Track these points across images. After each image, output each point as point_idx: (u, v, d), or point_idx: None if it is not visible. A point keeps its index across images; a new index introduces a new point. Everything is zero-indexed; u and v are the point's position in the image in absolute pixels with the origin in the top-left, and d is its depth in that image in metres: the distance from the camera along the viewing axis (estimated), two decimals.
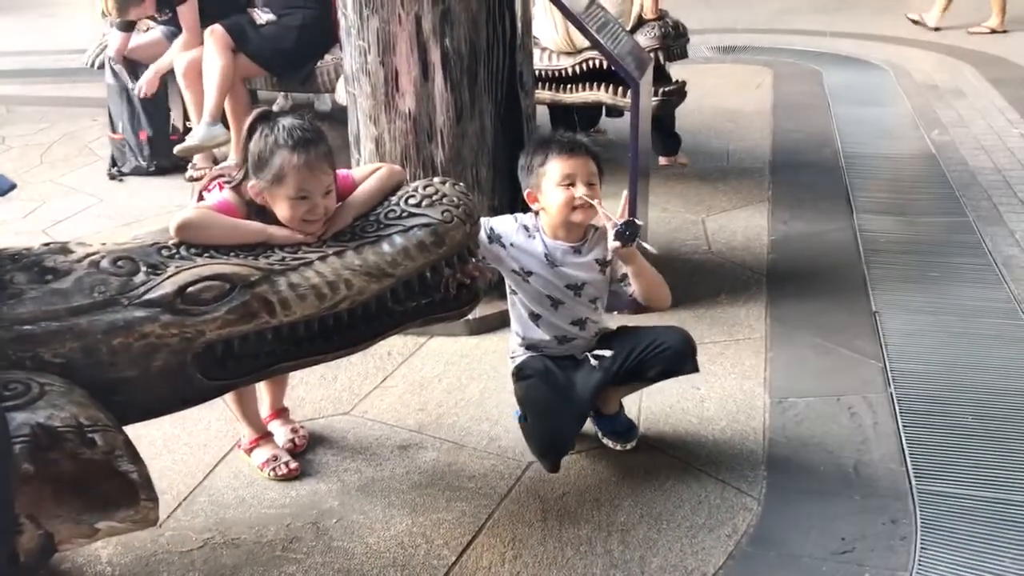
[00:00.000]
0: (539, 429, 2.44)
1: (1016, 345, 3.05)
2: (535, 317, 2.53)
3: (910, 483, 2.41)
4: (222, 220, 2.05)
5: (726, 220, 4.19)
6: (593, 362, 2.51)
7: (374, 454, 2.62)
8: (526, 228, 2.50)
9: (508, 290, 2.58)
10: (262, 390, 2.67)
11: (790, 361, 3.03)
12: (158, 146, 5.10)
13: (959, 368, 2.94)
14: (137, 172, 5.11)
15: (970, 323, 3.20)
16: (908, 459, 2.50)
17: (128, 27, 5.04)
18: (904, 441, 2.58)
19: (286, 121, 2.11)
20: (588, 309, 2.52)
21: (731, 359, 3.05)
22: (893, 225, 4.07)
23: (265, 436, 2.58)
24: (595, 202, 2.37)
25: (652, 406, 2.80)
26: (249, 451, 2.58)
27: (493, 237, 2.49)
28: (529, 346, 2.57)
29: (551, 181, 2.40)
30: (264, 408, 2.69)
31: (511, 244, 2.49)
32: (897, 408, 2.73)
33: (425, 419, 2.78)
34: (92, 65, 5.34)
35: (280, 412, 2.71)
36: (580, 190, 2.37)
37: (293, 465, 2.54)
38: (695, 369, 2.51)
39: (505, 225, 2.52)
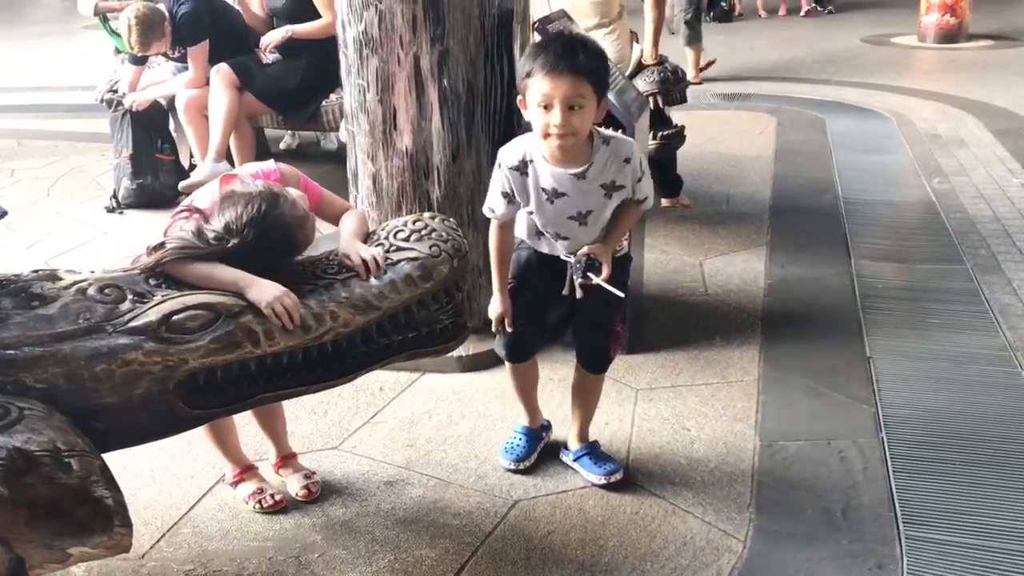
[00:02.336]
0: (509, 336, 2.54)
1: (1010, 393, 3.04)
2: (539, 234, 2.43)
3: (898, 528, 2.39)
4: (197, 267, 1.99)
5: (724, 263, 4.20)
6: (570, 291, 2.40)
7: (360, 489, 2.61)
8: (519, 169, 2.31)
9: None
10: (265, 439, 2.65)
11: (782, 404, 3.02)
12: (141, 164, 5.13)
13: (951, 415, 2.92)
14: (127, 196, 5.15)
15: (964, 370, 3.19)
16: (897, 504, 2.48)
17: (141, 61, 5.13)
18: (894, 486, 2.56)
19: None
20: (596, 233, 2.37)
21: (723, 401, 3.04)
22: (891, 271, 4.07)
23: (249, 469, 2.58)
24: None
25: (641, 446, 2.79)
26: (235, 484, 2.57)
27: (506, 193, 2.36)
28: (524, 238, 2.50)
29: (532, 99, 2.19)
30: (271, 455, 2.66)
31: (517, 189, 2.34)
32: (888, 453, 2.71)
33: (413, 455, 2.77)
34: (102, 101, 5.42)
35: (287, 458, 2.64)
36: (556, 116, 2.13)
37: (278, 497, 2.53)
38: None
39: (502, 178, 2.36)
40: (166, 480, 2.67)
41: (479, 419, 2.95)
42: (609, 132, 2.36)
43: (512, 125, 3.27)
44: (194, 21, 4.85)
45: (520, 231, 2.49)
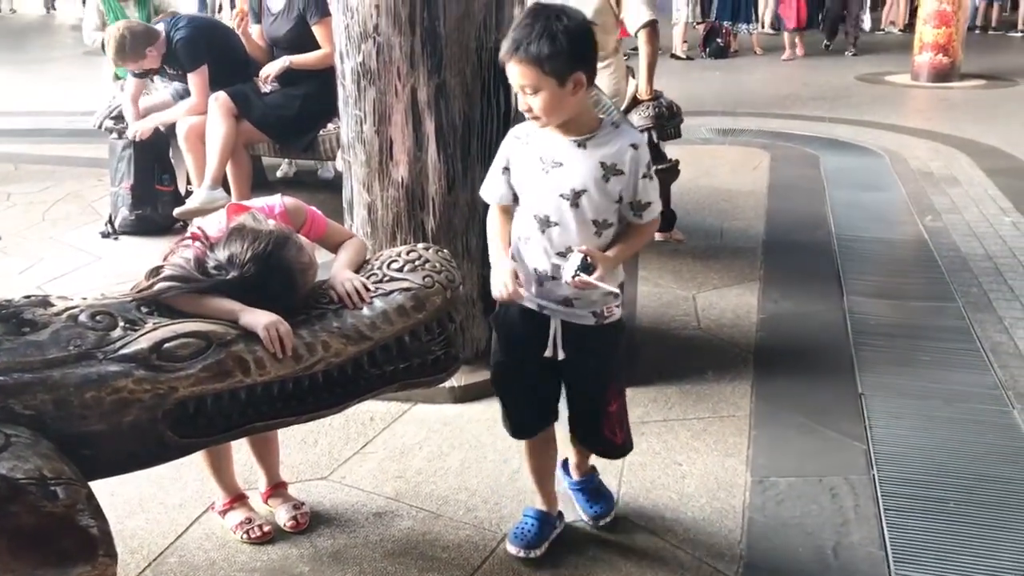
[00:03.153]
0: (506, 414, 2.45)
1: (1001, 431, 3.04)
2: (523, 243, 2.24)
3: (889, 567, 2.38)
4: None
5: (717, 297, 4.21)
6: (552, 353, 2.28)
7: (349, 520, 2.59)
8: (522, 139, 2.23)
9: None
10: (255, 466, 2.64)
11: (773, 440, 3.01)
12: (141, 195, 5.15)
13: (943, 453, 2.92)
14: (124, 224, 5.16)
15: (956, 408, 3.19)
16: (888, 543, 2.47)
17: (142, 75, 5.14)
18: (885, 525, 2.55)
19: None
20: (587, 231, 2.16)
21: (714, 436, 3.03)
22: (883, 308, 4.08)
23: (239, 498, 2.56)
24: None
25: (632, 480, 2.78)
26: (223, 513, 2.56)
27: (505, 165, 2.26)
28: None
29: None
30: (260, 484, 2.64)
31: (513, 160, 2.24)
32: (879, 491, 2.70)
33: (403, 487, 2.76)
34: (101, 127, 5.43)
35: (277, 487, 2.63)
36: (522, 102, 2.10)
37: (267, 528, 2.51)
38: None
39: (504, 146, 2.28)
40: (153, 508, 2.65)
41: (470, 451, 2.94)
42: (623, 119, 2.34)
43: None
44: (191, 47, 4.87)
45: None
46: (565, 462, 2.66)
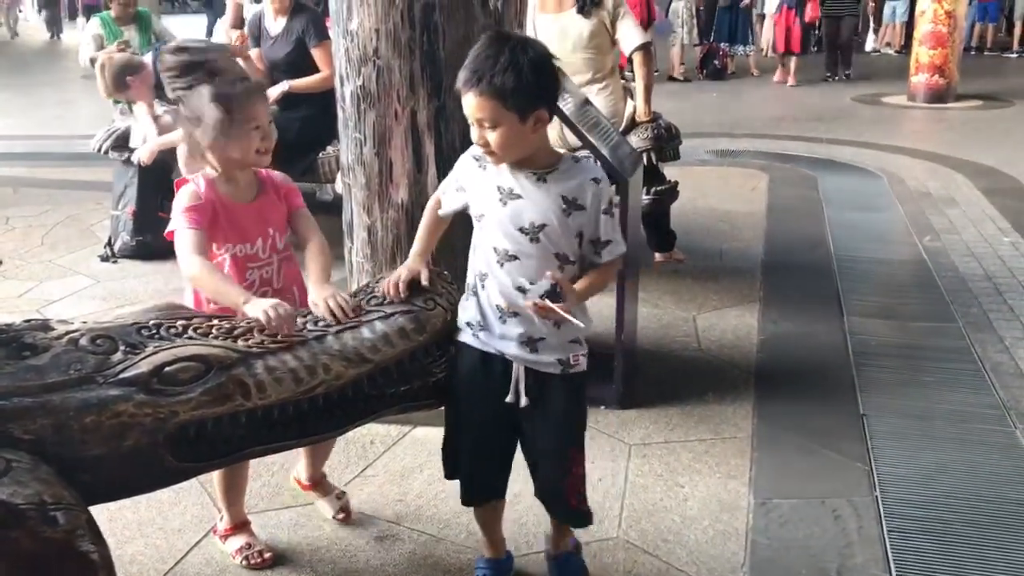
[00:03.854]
0: (457, 471, 2.28)
1: (1004, 452, 3.03)
2: (481, 279, 2.11)
3: None
4: (212, 280, 2.20)
5: (717, 318, 4.20)
6: (515, 399, 2.12)
7: (350, 545, 2.57)
8: (479, 160, 2.10)
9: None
10: (300, 457, 2.68)
11: (775, 462, 3.00)
12: (143, 222, 5.15)
13: (946, 474, 2.90)
14: (125, 249, 5.16)
15: (958, 428, 3.18)
16: (892, 565, 2.45)
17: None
18: (889, 546, 2.53)
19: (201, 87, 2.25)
20: (548, 267, 2.01)
21: (716, 458, 3.02)
22: (883, 329, 4.07)
23: (242, 525, 2.55)
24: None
25: (635, 503, 2.76)
26: (224, 538, 2.54)
27: (459, 186, 2.15)
28: (462, 327, 2.18)
29: None
30: (302, 475, 2.71)
31: (469, 184, 2.12)
32: (882, 512, 2.69)
33: (404, 510, 2.74)
34: (100, 150, 5.44)
35: (320, 481, 2.70)
36: (477, 134, 1.98)
37: (268, 555, 2.50)
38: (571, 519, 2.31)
39: (461, 165, 2.17)
40: (153, 533, 2.63)
41: None
42: (583, 154, 2.25)
43: None
44: None
45: (463, 317, 2.18)
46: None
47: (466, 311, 2.17)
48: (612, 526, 2.65)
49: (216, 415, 1.89)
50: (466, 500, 2.30)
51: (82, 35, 6.33)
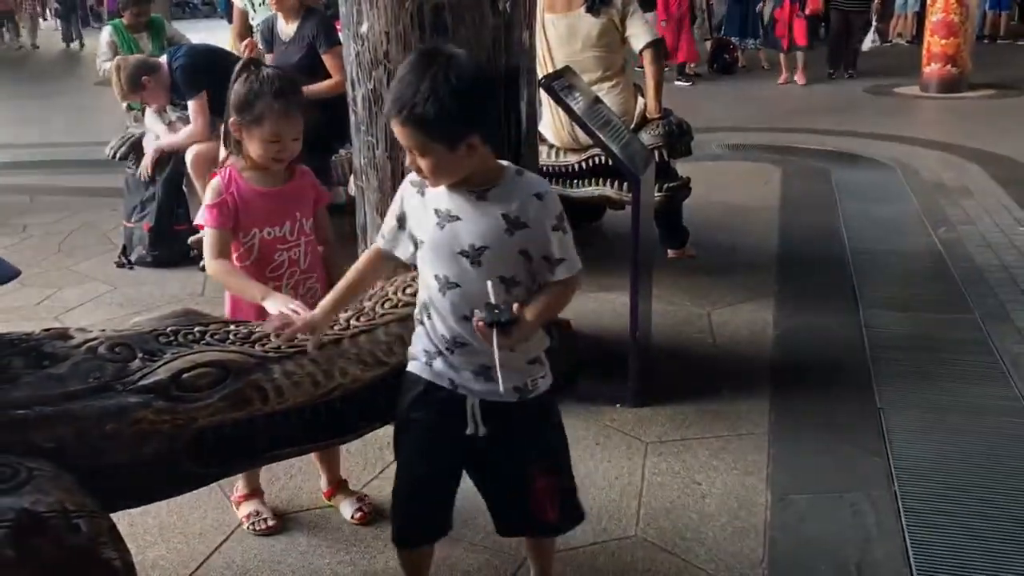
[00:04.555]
0: (401, 509, 2.13)
1: (1023, 444, 3.01)
2: (425, 309, 1.98)
3: None
4: (232, 280, 2.38)
5: (731, 314, 4.20)
6: (473, 429, 1.98)
7: (369, 546, 2.59)
8: (418, 186, 1.95)
9: None
10: (317, 467, 2.79)
11: (793, 457, 2.99)
12: (160, 238, 5.20)
13: (965, 467, 2.89)
14: (141, 262, 5.20)
15: (976, 421, 3.16)
16: (912, 560, 2.45)
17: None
18: (908, 541, 2.52)
19: (269, 71, 2.41)
20: (493, 292, 1.83)
21: (733, 454, 3.01)
22: (899, 321, 4.06)
23: (255, 493, 2.68)
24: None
25: (652, 501, 2.76)
26: (237, 504, 2.68)
27: (400, 214, 2.00)
28: (413, 357, 2.04)
29: None
30: (322, 484, 2.79)
31: (410, 211, 1.98)
32: (901, 507, 2.68)
33: None
34: (115, 156, 5.48)
35: (339, 485, 2.78)
36: (410, 158, 1.86)
37: (272, 523, 2.64)
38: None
39: (401, 192, 2.02)
40: (174, 538, 2.65)
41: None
42: (526, 171, 1.99)
43: None
44: (188, 74, 4.90)
45: (415, 346, 2.04)
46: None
47: (417, 341, 2.02)
48: (630, 524, 2.65)
49: (235, 420, 1.91)
50: (403, 540, 2.14)
51: (98, 43, 6.38)
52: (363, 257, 2.12)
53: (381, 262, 2.09)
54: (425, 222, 1.92)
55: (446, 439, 2.01)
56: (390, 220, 2.02)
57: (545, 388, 2.04)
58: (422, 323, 2.00)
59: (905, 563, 2.44)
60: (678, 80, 11.90)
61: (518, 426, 2.00)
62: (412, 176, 1.96)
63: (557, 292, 1.94)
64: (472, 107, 1.79)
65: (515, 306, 1.80)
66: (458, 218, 1.87)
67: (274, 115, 2.35)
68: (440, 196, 1.90)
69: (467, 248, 1.87)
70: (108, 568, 1.63)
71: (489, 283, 1.82)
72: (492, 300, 1.80)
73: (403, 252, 2.01)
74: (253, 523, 2.63)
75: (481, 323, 1.79)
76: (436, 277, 1.91)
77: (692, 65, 13.03)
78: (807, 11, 11.88)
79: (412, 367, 2.03)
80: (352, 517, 2.69)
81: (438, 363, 1.97)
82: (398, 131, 1.82)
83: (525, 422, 2.01)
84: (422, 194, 1.94)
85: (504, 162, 1.94)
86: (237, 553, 2.57)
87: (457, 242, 1.87)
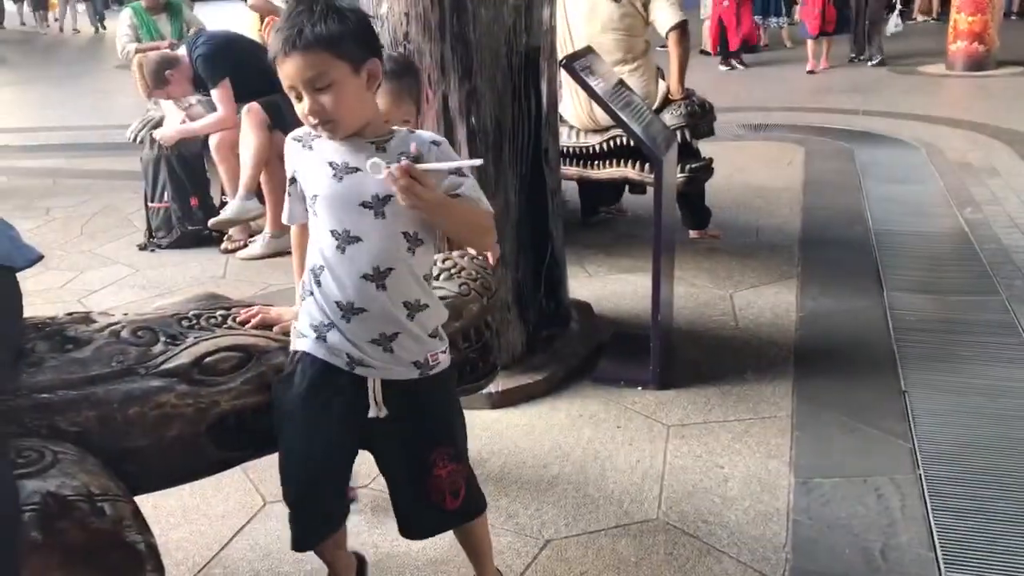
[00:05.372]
0: (302, 512, 1.96)
1: None
2: (316, 274, 1.83)
3: (939, 569, 2.33)
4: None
5: (754, 296, 4.16)
6: (376, 412, 1.86)
7: (391, 529, 2.55)
8: (301, 141, 1.84)
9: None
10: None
11: (816, 440, 2.97)
12: (179, 215, 5.25)
13: (991, 451, 2.86)
14: (161, 240, 5.22)
15: (1002, 404, 3.12)
16: (937, 544, 2.42)
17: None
18: (933, 525, 2.50)
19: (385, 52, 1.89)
20: (396, 247, 1.79)
21: (756, 437, 3.00)
22: (924, 303, 4.01)
23: None
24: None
25: (674, 484, 2.75)
26: None
27: (291, 176, 1.89)
28: (301, 334, 1.88)
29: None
30: None
31: (299, 168, 1.86)
32: (926, 490, 2.65)
33: None
34: (135, 140, 5.50)
35: None
36: (306, 106, 1.72)
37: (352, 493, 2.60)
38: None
39: (287, 153, 1.89)
40: (197, 520, 2.67)
41: (509, 456, 2.93)
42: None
43: (540, 161, 3.29)
44: (210, 61, 4.90)
45: (301, 323, 1.89)
46: None
47: (306, 315, 1.87)
48: (652, 508, 2.64)
49: (257, 404, 1.90)
50: (302, 544, 1.97)
51: (118, 26, 6.40)
52: (294, 240, 2.01)
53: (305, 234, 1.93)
54: (319, 175, 1.79)
55: (344, 424, 1.88)
56: (289, 189, 1.90)
57: (447, 364, 1.94)
58: (311, 294, 1.85)
59: (930, 547, 2.42)
60: (725, 64, 11.70)
61: (419, 406, 1.90)
62: (294, 133, 1.85)
63: (472, 208, 1.83)
64: (369, 30, 1.76)
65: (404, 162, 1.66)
66: (358, 169, 1.75)
67: (384, 96, 2.10)
68: (333, 149, 1.79)
69: (370, 199, 1.76)
70: (132, 551, 1.63)
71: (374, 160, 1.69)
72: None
73: (298, 215, 1.91)
74: None
75: (395, 166, 1.64)
76: (334, 233, 1.78)
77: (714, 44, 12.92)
78: None
79: (300, 344, 1.87)
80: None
81: (332, 336, 1.82)
82: (299, 62, 1.67)
83: (422, 402, 1.90)
84: (309, 148, 1.82)
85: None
86: (260, 535, 2.58)
87: (359, 193, 1.76)
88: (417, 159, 1.69)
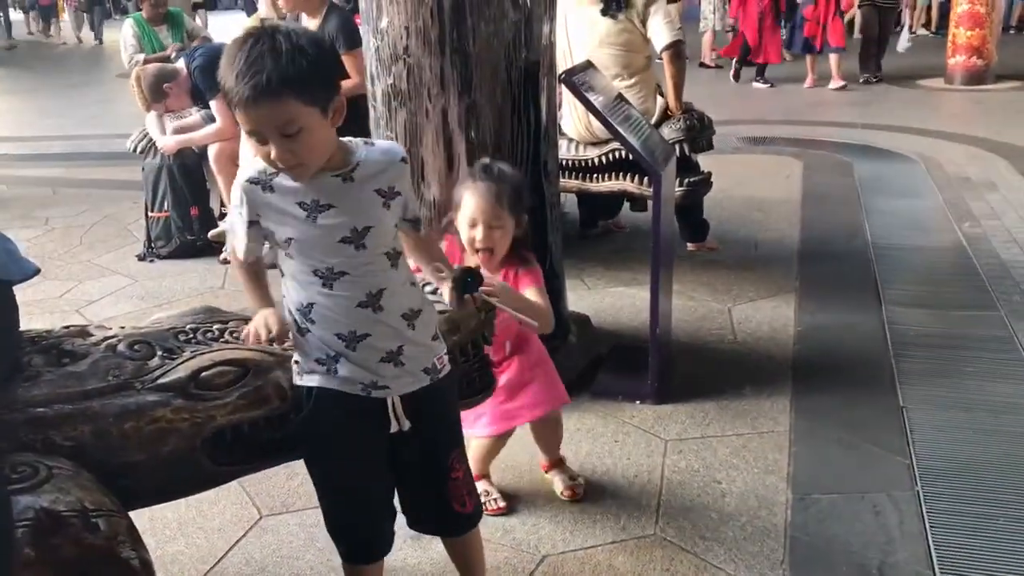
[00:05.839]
0: (349, 535, 2.02)
1: None
2: (306, 313, 1.81)
3: None
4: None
5: (752, 310, 4.16)
6: (398, 427, 1.89)
7: (398, 545, 2.57)
8: (259, 183, 1.75)
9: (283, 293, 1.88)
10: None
11: (814, 456, 2.97)
12: (178, 224, 5.23)
13: (989, 467, 2.85)
14: (160, 250, 5.21)
15: (1001, 421, 3.12)
16: (935, 562, 2.42)
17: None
18: (931, 543, 2.49)
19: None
20: (382, 269, 1.80)
21: (754, 452, 2.99)
22: (923, 318, 4.01)
23: (481, 477, 2.70)
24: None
25: (671, 499, 2.75)
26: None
27: (251, 219, 1.79)
28: (309, 369, 1.86)
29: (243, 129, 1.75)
30: (541, 458, 2.88)
31: (263, 211, 1.77)
32: (924, 508, 2.65)
33: None
34: (135, 150, 5.51)
35: (556, 463, 2.84)
36: (272, 151, 1.65)
37: (502, 503, 2.72)
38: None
39: (242, 198, 1.78)
40: (193, 533, 2.66)
41: (506, 471, 2.92)
42: (370, 139, 1.91)
43: (539, 176, 3.29)
44: (208, 74, 4.91)
45: (304, 362, 1.87)
46: None
47: (306, 352, 1.85)
48: (649, 523, 2.64)
49: (253, 419, 1.90)
50: (360, 556, 2.04)
51: (121, 37, 6.43)
52: (241, 270, 1.93)
53: (255, 264, 1.91)
54: (289, 218, 1.74)
55: (375, 449, 1.91)
56: (238, 227, 1.81)
57: (450, 367, 1.97)
58: (308, 331, 1.82)
59: (928, 565, 2.41)
60: (756, 82, 11.17)
61: (430, 410, 1.92)
62: (248, 175, 1.76)
63: (427, 240, 2.04)
64: (332, 62, 1.74)
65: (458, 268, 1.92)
66: (331, 206, 1.73)
67: (475, 198, 2.42)
68: (298, 189, 1.72)
69: (349, 234, 1.74)
70: (126, 567, 1.63)
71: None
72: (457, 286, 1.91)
73: (251, 249, 1.84)
74: (484, 503, 2.48)
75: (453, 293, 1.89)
76: (317, 272, 1.76)
77: (713, 56, 12.93)
78: (842, 7, 11.04)
79: (312, 381, 1.85)
80: (562, 493, 2.76)
81: (342, 368, 1.82)
82: (265, 112, 1.60)
83: (437, 407, 1.95)
84: (271, 190, 1.74)
85: (344, 138, 1.79)
86: (256, 548, 2.58)
87: (337, 230, 1.74)
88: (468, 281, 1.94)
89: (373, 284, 1.78)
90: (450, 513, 2.03)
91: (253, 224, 1.79)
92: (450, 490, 1.99)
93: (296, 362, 1.89)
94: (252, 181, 1.76)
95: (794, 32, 10.87)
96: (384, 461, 1.95)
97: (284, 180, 1.73)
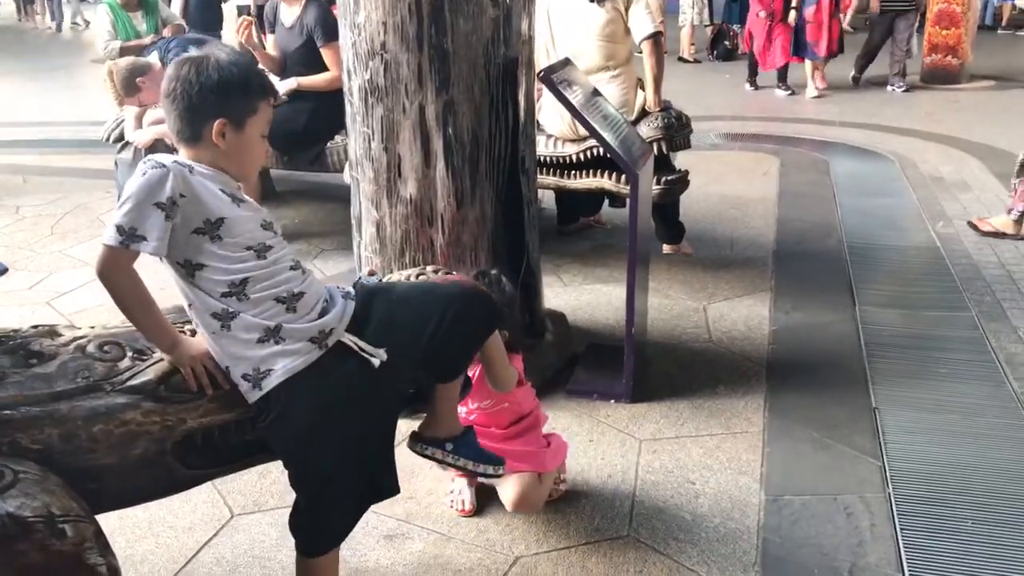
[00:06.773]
0: (331, 513, 2.05)
1: (1019, 445, 3.00)
2: (238, 290, 1.89)
3: None
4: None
5: (728, 308, 4.18)
6: (373, 360, 1.95)
7: (359, 543, 2.57)
8: (188, 167, 1.90)
9: (184, 291, 1.95)
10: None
11: (787, 457, 2.98)
12: None
13: (960, 469, 2.88)
14: None
15: (972, 422, 3.15)
16: (905, 564, 2.44)
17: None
18: (901, 545, 2.51)
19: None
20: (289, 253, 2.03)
21: (727, 453, 3.00)
22: (896, 318, 4.04)
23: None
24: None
25: (645, 500, 2.75)
26: (452, 478, 2.77)
27: (169, 211, 1.84)
28: (263, 370, 1.88)
29: (256, 129, 2.02)
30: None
31: (194, 194, 1.87)
32: (895, 509, 2.67)
33: (413, 508, 2.73)
34: (109, 139, 5.43)
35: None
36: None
37: (468, 506, 2.70)
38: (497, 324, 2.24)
39: (167, 184, 1.84)
40: (163, 532, 2.64)
41: None
42: None
43: (516, 173, 3.28)
44: None
45: (258, 350, 1.89)
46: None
47: (243, 342, 1.88)
48: (623, 525, 2.64)
49: (224, 422, 1.88)
50: (325, 542, 2.09)
51: (96, 23, 6.33)
52: (124, 282, 1.99)
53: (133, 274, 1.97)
54: (218, 201, 1.91)
55: (367, 396, 1.98)
56: (146, 213, 1.85)
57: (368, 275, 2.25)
58: (237, 315, 1.88)
59: (898, 567, 2.43)
60: (779, 88, 10.22)
61: (384, 310, 2.05)
62: (162, 158, 1.88)
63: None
64: (220, 95, 1.98)
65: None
66: (244, 200, 1.99)
67: None
68: (217, 179, 1.95)
69: (264, 221, 1.98)
70: (94, 574, 1.61)
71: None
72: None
73: (165, 236, 1.88)
74: (451, 500, 2.71)
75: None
76: (250, 248, 1.91)
77: (691, 51, 12.95)
78: (841, 9, 10.61)
79: (282, 364, 1.88)
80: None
81: (292, 330, 1.91)
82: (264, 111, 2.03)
83: (382, 303, 2.07)
84: (193, 173, 1.90)
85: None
86: (227, 548, 2.55)
87: (259, 213, 1.99)
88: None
89: (293, 254, 2.02)
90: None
91: (170, 203, 1.84)
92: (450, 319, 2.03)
93: (245, 377, 1.87)
94: (181, 163, 1.91)
95: (797, 36, 10.48)
96: (384, 404, 2.05)
97: (196, 171, 1.95)
